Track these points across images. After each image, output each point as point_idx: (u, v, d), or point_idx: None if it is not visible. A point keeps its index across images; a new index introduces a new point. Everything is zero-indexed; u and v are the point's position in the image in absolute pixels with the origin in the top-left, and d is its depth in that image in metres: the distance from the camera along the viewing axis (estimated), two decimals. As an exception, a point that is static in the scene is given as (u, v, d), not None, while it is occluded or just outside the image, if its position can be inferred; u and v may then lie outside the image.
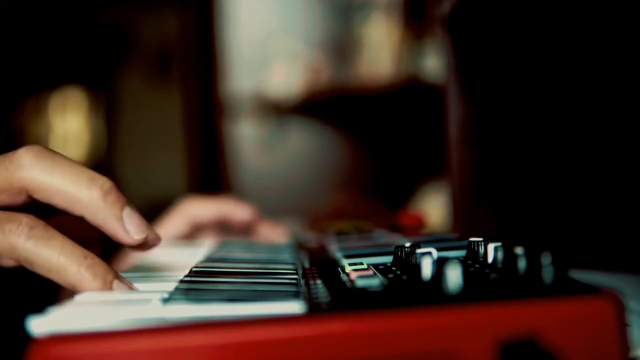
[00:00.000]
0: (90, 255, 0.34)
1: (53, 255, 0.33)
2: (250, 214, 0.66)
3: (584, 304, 0.26)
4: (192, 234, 0.65)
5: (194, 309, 0.28)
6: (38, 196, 0.34)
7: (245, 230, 0.67)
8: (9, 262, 0.33)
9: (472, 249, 0.37)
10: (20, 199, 0.34)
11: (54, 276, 0.33)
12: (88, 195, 0.34)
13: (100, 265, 0.33)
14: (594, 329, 0.25)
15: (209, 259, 0.46)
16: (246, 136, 2.07)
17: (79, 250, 0.33)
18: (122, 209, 0.35)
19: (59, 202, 0.34)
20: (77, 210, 0.34)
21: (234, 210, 0.65)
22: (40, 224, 0.33)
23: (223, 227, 0.67)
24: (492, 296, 0.27)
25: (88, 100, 3.07)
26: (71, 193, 0.34)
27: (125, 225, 0.35)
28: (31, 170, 0.34)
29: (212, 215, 0.65)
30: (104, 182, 0.35)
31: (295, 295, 0.30)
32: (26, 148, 0.34)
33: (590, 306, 0.26)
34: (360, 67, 1.98)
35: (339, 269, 0.39)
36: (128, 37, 2.96)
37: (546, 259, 0.28)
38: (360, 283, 0.33)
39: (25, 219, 0.33)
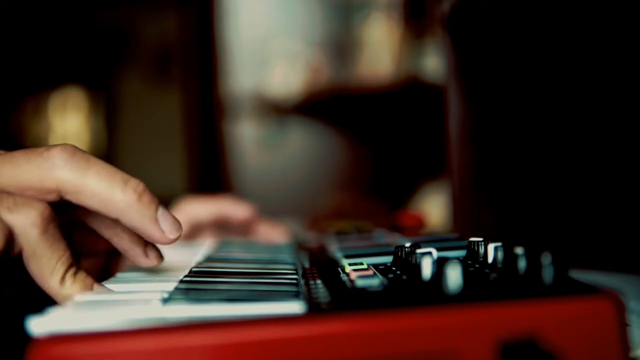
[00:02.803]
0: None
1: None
2: (249, 213, 0.66)
3: (584, 304, 0.26)
4: (192, 233, 0.65)
5: (194, 309, 0.28)
6: (70, 197, 0.33)
7: (244, 229, 0.67)
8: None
9: (472, 249, 0.37)
10: (50, 197, 0.33)
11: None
12: (123, 198, 0.34)
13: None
14: (594, 329, 0.25)
15: (209, 259, 0.46)
16: (246, 136, 2.07)
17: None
18: (156, 210, 0.35)
19: (93, 204, 0.34)
20: (112, 212, 0.34)
21: (233, 209, 0.65)
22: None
23: (222, 227, 0.67)
24: (492, 296, 0.27)
25: (88, 100, 3.07)
26: (106, 195, 0.33)
27: (161, 226, 0.35)
28: (65, 171, 0.33)
29: (211, 214, 0.65)
30: (137, 183, 0.34)
31: (295, 296, 0.30)
32: (61, 147, 0.34)
33: (590, 306, 0.26)
34: (360, 67, 1.97)
35: (339, 269, 0.39)
36: (128, 37, 2.96)
37: (546, 259, 0.28)
38: (360, 283, 0.33)
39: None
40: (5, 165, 0.33)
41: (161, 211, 0.35)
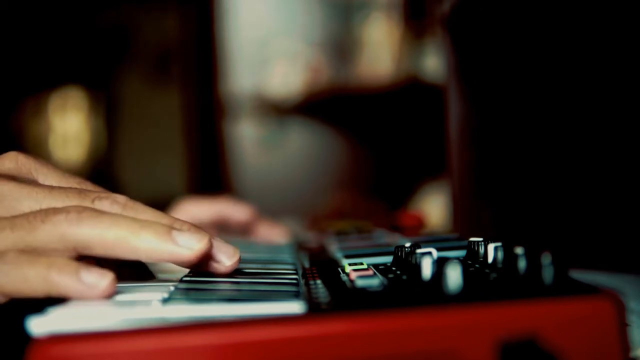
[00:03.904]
0: (139, 220, 0.34)
1: (105, 230, 0.32)
2: (249, 215, 0.66)
3: (584, 304, 0.26)
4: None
5: (194, 309, 0.28)
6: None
7: (243, 230, 0.67)
8: (67, 256, 0.33)
9: (472, 249, 0.37)
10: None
11: (115, 252, 0.33)
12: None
13: (153, 222, 0.34)
14: (594, 329, 0.25)
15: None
16: (246, 136, 2.07)
17: (130, 218, 0.33)
18: (207, 243, 0.34)
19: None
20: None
21: (233, 210, 0.65)
22: (87, 207, 0.33)
23: (221, 228, 0.67)
24: (492, 296, 0.27)
25: (88, 100, 3.07)
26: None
27: (216, 257, 0.35)
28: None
29: (210, 215, 0.65)
30: (182, 223, 0.35)
31: (295, 295, 0.30)
32: (114, 196, 0.35)
33: (590, 306, 0.26)
34: (360, 67, 1.97)
35: (339, 269, 0.39)
36: (128, 37, 2.96)
37: (546, 259, 0.28)
38: (360, 283, 0.33)
39: (73, 207, 0.33)
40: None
41: (215, 242, 0.35)
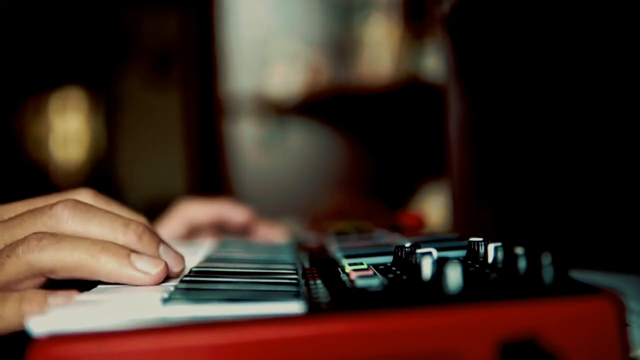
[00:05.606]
0: (99, 242, 0.34)
1: (66, 255, 0.33)
2: (247, 217, 0.66)
3: (584, 304, 0.26)
4: (190, 236, 0.65)
5: (194, 309, 0.28)
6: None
7: (242, 232, 0.67)
8: (37, 282, 0.34)
9: (472, 249, 0.37)
10: None
11: (78, 274, 0.34)
12: (125, 240, 0.36)
13: (112, 245, 0.35)
14: (594, 329, 0.25)
15: (208, 259, 0.46)
16: (246, 136, 2.07)
17: (89, 241, 0.34)
18: (157, 248, 0.37)
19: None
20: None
21: (231, 212, 0.65)
22: (46, 234, 0.34)
23: (220, 229, 0.67)
24: (492, 296, 0.27)
25: (88, 100, 3.07)
26: (110, 240, 0.35)
27: (164, 260, 0.36)
28: (70, 224, 0.35)
29: (209, 217, 0.65)
30: (137, 225, 0.36)
31: (296, 295, 0.30)
32: (63, 203, 0.36)
33: (590, 306, 0.26)
34: (360, 67, 1.97)
35: (339, 269, 0.39)
36: (128, 38, 2.96)
37: (546, 259, 0.28)
38: (360, 283, 0.33)
39: (32, 236, 0.34)
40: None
41: (163, 248, 0.37)
